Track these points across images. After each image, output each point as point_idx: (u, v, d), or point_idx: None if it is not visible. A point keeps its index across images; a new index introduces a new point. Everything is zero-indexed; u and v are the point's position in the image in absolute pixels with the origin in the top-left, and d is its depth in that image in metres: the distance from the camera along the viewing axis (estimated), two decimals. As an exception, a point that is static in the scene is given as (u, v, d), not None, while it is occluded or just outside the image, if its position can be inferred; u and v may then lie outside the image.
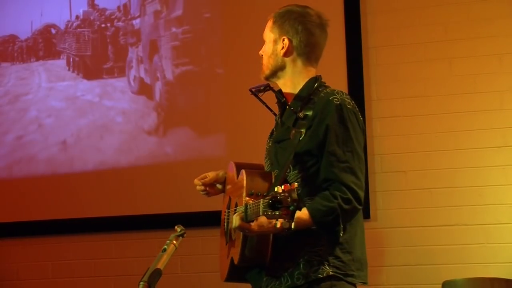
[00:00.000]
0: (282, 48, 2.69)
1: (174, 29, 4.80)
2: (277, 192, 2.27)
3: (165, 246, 2.38)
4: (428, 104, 4.40)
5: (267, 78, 2.74)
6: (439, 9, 4.43)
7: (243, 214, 2.46)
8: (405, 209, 4.36)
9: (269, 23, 2.75)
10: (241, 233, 2.52)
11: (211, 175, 2.90)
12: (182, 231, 2.44)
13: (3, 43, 5.13)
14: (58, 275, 4.86)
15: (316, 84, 2.69)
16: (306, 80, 2.70)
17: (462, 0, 4.40)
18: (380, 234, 4.34)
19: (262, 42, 2.77)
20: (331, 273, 2.55)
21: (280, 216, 2.26)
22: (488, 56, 4.34)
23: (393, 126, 4.40)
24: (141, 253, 4.60)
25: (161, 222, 4.51)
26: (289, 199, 2.24)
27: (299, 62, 2.70)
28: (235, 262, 2.58)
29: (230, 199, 2.79)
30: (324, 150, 2.55)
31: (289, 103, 2.69)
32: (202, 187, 2.90)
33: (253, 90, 2.76)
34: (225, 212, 2.82)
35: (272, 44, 2.71)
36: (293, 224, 2.28)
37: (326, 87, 2.70)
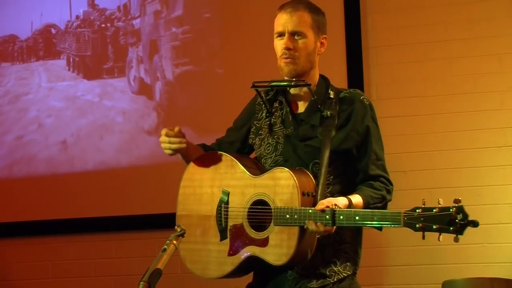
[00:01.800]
0: (322, 46, 2.72)
1: (174, 29, 4.80)
2: (446, 208, 2.32)
3: (165, 246, 2.37)
4: (428, 104, 4.40)
5: (300, 75, 2.67)
6: (439, 9, 4.43)
7: (327, 220, 2.43)
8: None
9: (307, 18, 2.67)
10: (297, 234, 2.47)
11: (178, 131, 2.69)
12: (182, 231, 2.43)
13: (3, 43, 5.14)
14: (58, 275, 4.86)
15: (327, 84, 2.74)
16: (316, 79, 2.73)
17: (462, 0, 4.40)
18: (380, 234, 4.32)
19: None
20: (354, 270, 2.64)
21: (447, 231, 2.30)
22: (488, 56, 4.35)
23: (393, 126, 4.40)
24: (141, 253, 4.60)
25: (161, 222, 4.49)
26: (460, 215, 2.30)
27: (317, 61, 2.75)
28: (280, 262, 2.51)
29: (227, 193, 2.66)
30: (365, 149, 2.65)
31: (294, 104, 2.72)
32: (179, 140, 2.68)
33: (272, 84, 2.68)
34: (220, 206, 2.67)
35: (314, 41, 2.68)
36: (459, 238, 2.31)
37: (332, 85, 2.75)
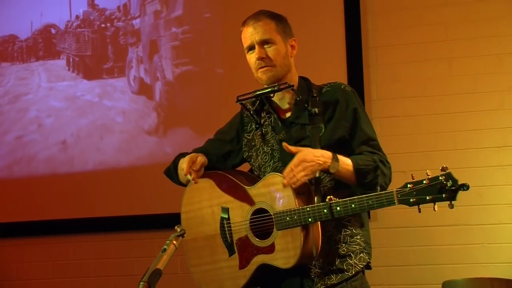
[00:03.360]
0: (293, 49, 2.76)
1: (174, 29, 4.80)
2: (435, 178, 2.35)
3: (165, 246, 2.38)
4: (428, 104, 4.40)
5: (279, 80, 2.72)
6: (439, 9, 4.43)
7: (325, 213, 2.48)
8: (405, 209, 4.31)
9: (271, 25, 2.74)
10: (300, 234, 2.51)
11: (201, 159, 2.76)
12: (182, 231, 2.44)
13: (3, 43, 5.13)
14: (58, 275, 4.86)
15: (307, 83, 2.79)
16: (296, 81, 2.78)
17: (462, 0, 4.40)
18: (380, 234, 4.34)
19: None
20: (368, 260, 2.69)
21: (441, 199, 2.34)
22: (488, 56, 4.35)
23: (393, 126, 4.40)
24: (141, 253, 4.60)
25: (161, 222, 4.51)
26: (449, 182, 2.34)
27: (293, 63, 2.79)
28: (289, 265, 2.54)
29: (227, 209, 2.70)
30: (356, 131, 2.68)
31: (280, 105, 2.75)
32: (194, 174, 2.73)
33: (257, 93, 2.73)
34: (223, 223, 2.71)
35: (284, 45, 2.73)
36: (453, 204, 2.34)
37: (313, 83, 2.80)
